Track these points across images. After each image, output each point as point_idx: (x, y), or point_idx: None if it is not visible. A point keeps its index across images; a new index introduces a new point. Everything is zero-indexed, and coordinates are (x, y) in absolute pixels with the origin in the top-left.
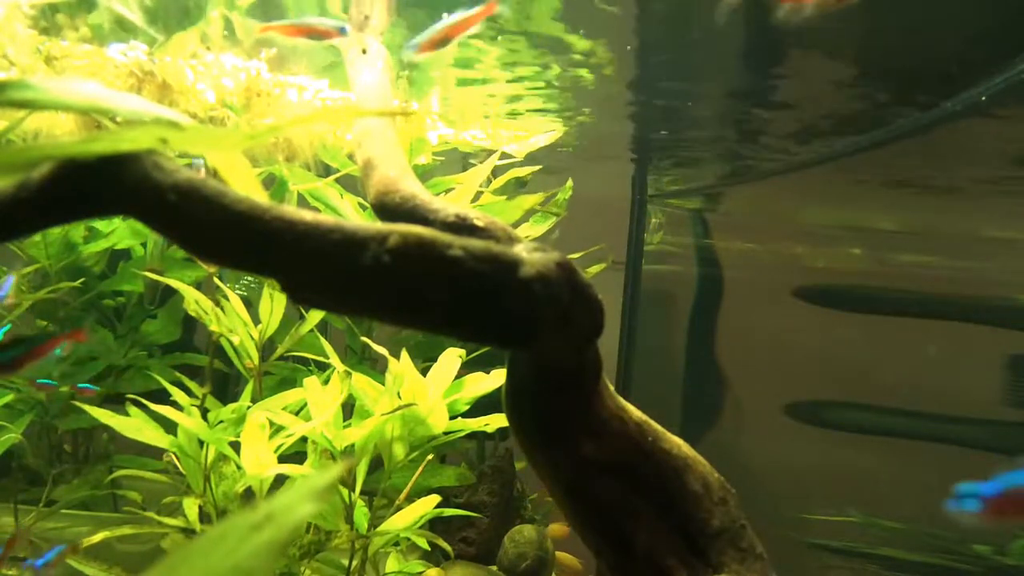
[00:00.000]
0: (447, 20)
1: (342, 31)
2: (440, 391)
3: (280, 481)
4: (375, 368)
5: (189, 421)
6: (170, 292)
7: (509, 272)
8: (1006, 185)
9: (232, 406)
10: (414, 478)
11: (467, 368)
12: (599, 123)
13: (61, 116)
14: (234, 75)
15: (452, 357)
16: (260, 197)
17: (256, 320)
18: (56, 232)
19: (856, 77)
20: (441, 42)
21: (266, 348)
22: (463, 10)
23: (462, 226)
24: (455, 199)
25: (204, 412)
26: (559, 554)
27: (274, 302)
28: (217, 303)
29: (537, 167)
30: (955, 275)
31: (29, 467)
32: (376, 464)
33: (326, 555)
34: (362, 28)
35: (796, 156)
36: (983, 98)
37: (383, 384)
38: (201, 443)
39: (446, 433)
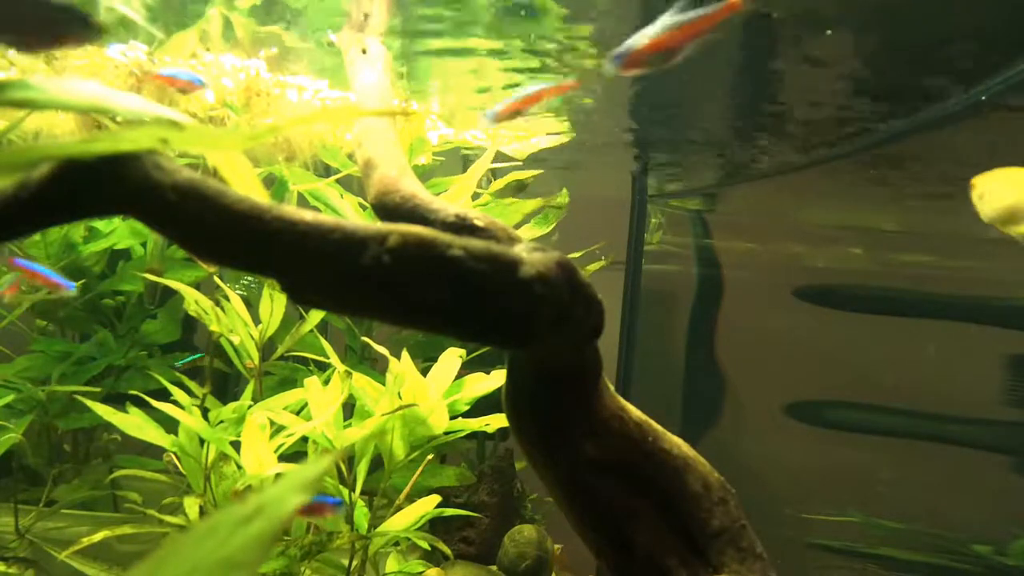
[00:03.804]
0: (523, 91)
1: (197, 83)
2: (440, 391)
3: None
4: (375, 368)
5: (190, 420)
6: (170, 292)
7: (509, 272)
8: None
9: (232, 405)
10: (414, 478)
11: (467, 368)
12: (599, 123)
13: (61, 116)
14: (234, 75)
15: (452, 357)
16: (261, 197)
17: (256, 320)
18: (56, 232)
19: (857, 76)
20: (517, 112)
21: (266, 348)
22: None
23: (462, 226)
24: (453, 199)
25: (204, 412)
26: None
27: (274, 302)
28: (217, 303)
29: (538, 171)
30: (955, 275)
31: (29, 467)
32: (376, 464)
33: (326, 555)
34: (362, 28)
35: (796, 156)
36: (983, 98)
37: (383, 384)
38: (202, 442)
39: (446, 433)
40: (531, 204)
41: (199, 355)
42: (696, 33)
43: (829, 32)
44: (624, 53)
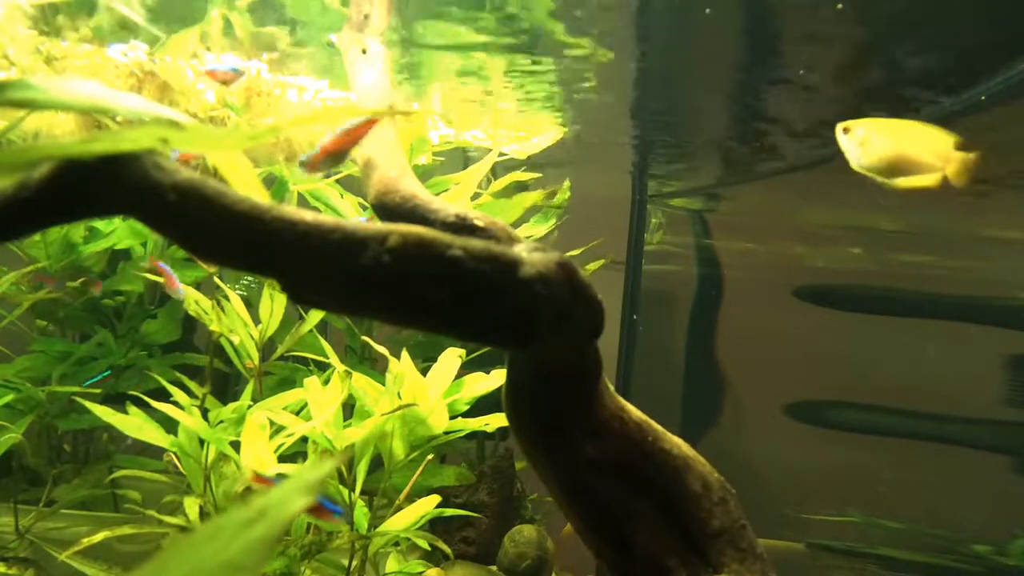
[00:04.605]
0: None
1: (233, 71)
2: (440, 391)
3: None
4: (375, 368)
5: (190, 420)
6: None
7: (509, 272)
8: (1007, 184)
9: (232, 405)
10: (414, 478)
11: (467, 368)
12: (599, 122)
13: (61, 116)
14: None
15: (452, 357)
16: (261, 197)
17: (256, 320)
18: (56, 232)
19: (857, 75)
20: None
21: (266, 348)
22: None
23: (462, 226)
24: (453, 199)
25: (204, 412)
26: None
27: (274, 302)
28: (217, 303)
29: (538, 175)
30: (955, 275)
31: (29, 467)
32: (376, 464)
33: (326, 555)
34: (362, 28)
35: (796, 156)
36: (983, 98)
37: (383, 384)
38: (201, 443)
39: (446, 433)
40: (531, 198)
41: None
42: (352, 140)
43: (840, 6)
44: (304, 160)
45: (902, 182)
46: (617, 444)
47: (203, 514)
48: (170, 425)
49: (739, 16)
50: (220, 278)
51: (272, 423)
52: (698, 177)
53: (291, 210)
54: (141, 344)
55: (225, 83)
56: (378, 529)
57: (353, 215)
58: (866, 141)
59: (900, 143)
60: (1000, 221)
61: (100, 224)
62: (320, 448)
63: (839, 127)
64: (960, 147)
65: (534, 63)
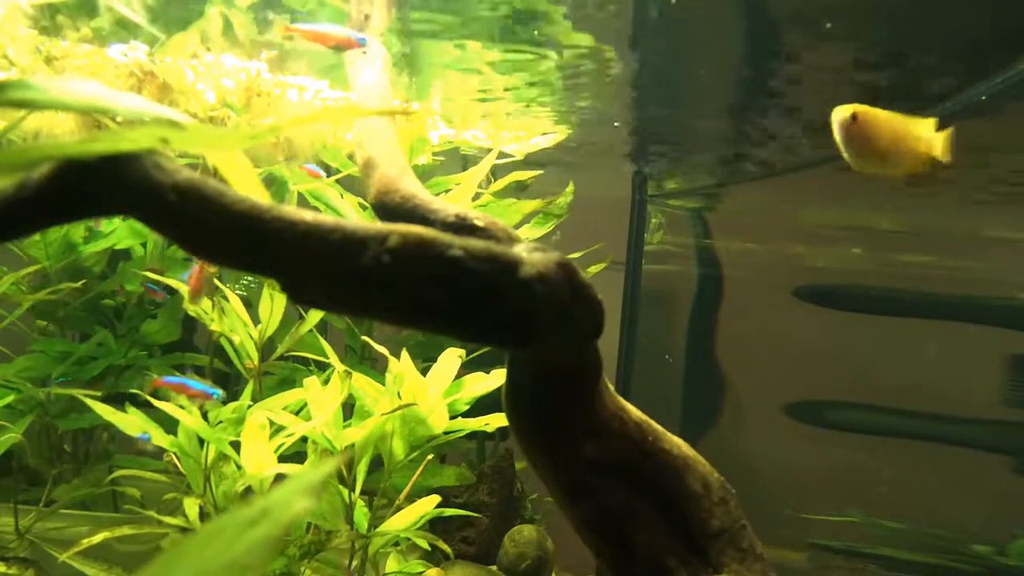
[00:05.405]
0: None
1: (361, 42)
2: (440, 391)
3: (280, 481)
4: (375, 368)
5: (190, 420)
6: (170, 292)
7: (509, 272)
8: (1007, 185)
9: (232, 405)
10: (414, 478)
11: (467, 368)
12: (599, 122)
13: (61, 116)
14: (234, 75)
15: (452, 357)
16: (261, 197)
17: (256, 320)
18: (56, 232)
19: (858, 74)
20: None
21: (266, 348)
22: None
23: (462, 226)
24: (454, 199)
25: (204, 412)
26: None
27: (274, 302)
28: (218, 304)
29: (538, 172)
30: (955, 275)
31: (29, 467)
32: (376, 464)
33: (326, 555)
34: (362, 28)
35: (797, 156)
36: (983, 98)
37: (383, 384)
38: (201, 443)
39: (446, 433)
40: (531, 204)
41: None
42: (199, 279)
43: (829, 25)
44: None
45: (893, 169)
46: (617, 444)
47: (203, 514)
48: (170, 425)
49: (736, 11)
50: (220, 278)
51: (272, 423)
52: (698, 177)
53: (291, 210)
54: (141, 344)
55: (340, 49)
56: (378, 529)
57: (353, 215)
58: (863, 128)
59: (886, 130)
60: (1000, 221)
61: (100, 224)
62: (320, 448)
63: (843, 114)
64: (938, 128)
65: (534, 62)
